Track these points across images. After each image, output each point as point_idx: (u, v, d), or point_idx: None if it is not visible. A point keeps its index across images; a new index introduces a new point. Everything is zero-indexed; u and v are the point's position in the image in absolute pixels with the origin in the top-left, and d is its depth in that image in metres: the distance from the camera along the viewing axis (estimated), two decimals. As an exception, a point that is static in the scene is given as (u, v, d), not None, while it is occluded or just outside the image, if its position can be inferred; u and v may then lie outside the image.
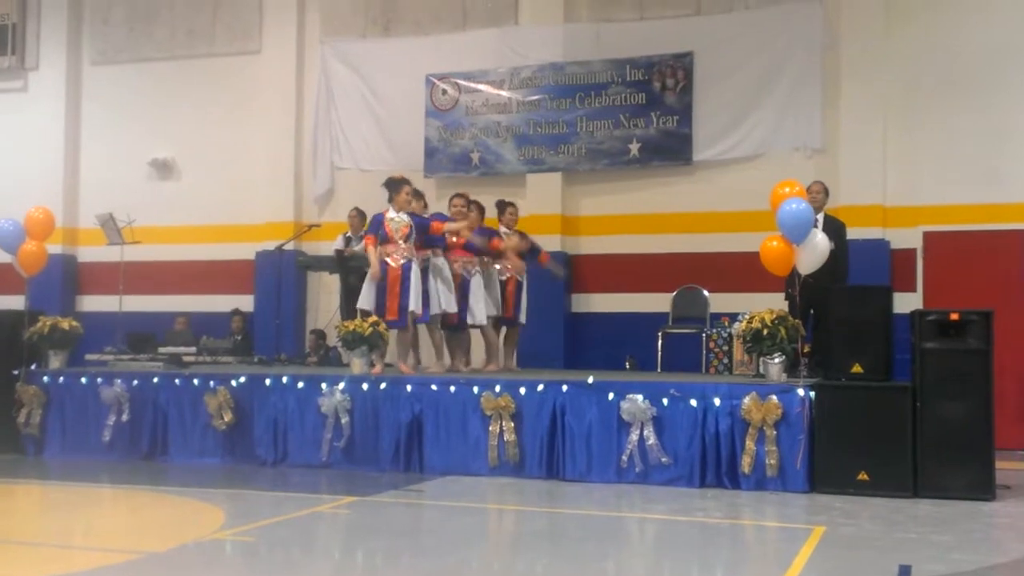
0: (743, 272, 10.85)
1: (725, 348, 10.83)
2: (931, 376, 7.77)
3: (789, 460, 7.94)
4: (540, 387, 8.67)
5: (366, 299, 9.49)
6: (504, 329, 10.61)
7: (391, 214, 9.51)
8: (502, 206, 10.64)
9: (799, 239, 8.19)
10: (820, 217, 9.20)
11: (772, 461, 7.93)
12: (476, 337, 10.58)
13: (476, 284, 10.03)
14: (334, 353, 11.59)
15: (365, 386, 9.10)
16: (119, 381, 9.80)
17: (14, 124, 14.49)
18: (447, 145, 12.86)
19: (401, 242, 9.40)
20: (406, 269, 9.36)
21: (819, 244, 8.33)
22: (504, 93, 12.67)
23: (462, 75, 12.83)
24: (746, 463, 8.01)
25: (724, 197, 11.65)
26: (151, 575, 5.53)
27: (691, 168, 11.92)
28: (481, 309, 10.00)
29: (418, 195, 10.24)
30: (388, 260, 9.35)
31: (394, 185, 9.60)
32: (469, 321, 10.04)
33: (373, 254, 9.36)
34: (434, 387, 8.96)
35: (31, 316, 10.36)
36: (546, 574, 5.69)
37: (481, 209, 10.51)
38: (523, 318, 10.59)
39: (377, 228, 9.46)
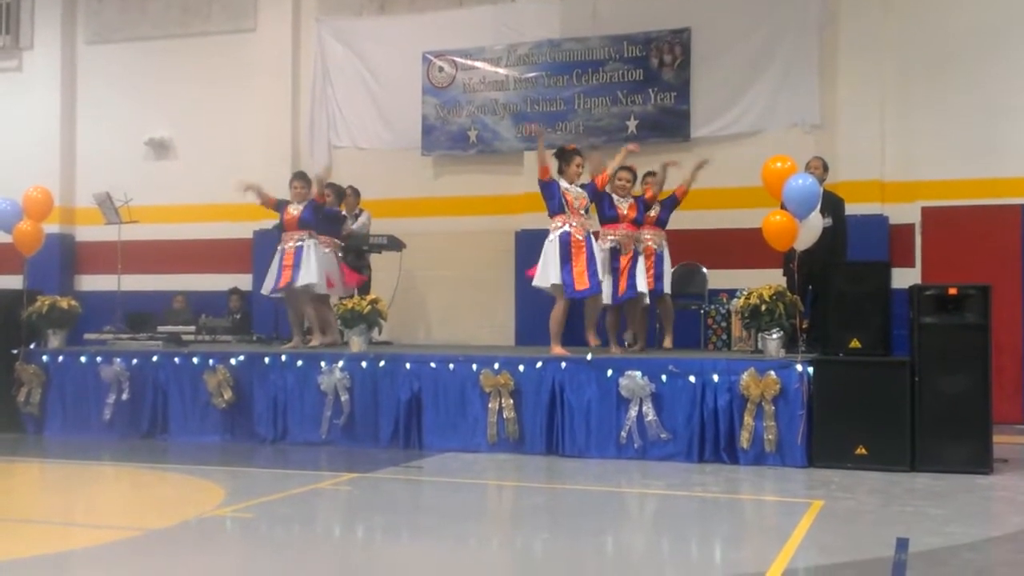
0: (742, 248, 10.85)
1: (724, 324, 10.83)
2: (929, 351, 7.78)
3: (787, 435, 7.96)
4: (539, 364, 8.69)
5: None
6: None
7: (565, 185, 8.99)
8: (567, 156, 9.17)
9: (805, 214, 8.19)
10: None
11: (770, 436, 7.95)
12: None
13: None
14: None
15: (364, 364, 9.11)
16: (119, 360, 9.81)
17: (9, 104, 14.47)
18: (444, 123, 12.82)
19: (582, 212, 8.96)
20: (589, 241, 8.87)
21: (814, 221, 8.36)
22: (501, 70, 12.62)
23: (459, 52, 12.78)
24: (744, 438, 8.03)
25: (722, 173, 11.56)
26: (152, 552, 5.55)
27: (689, 145, 11.88)
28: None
29: (304, 180, 10.33)
30: (570, 229, 8.82)
31: (565, 156, 9.11)
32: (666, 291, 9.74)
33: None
34: (433, 364, 8.98)
35: (30, 296, 10.37)
36: (545, 549, 5.71)
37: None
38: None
39: (553, 197, 8.93)
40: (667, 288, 9.99)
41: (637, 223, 9.48)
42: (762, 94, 11.65)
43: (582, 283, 8.73)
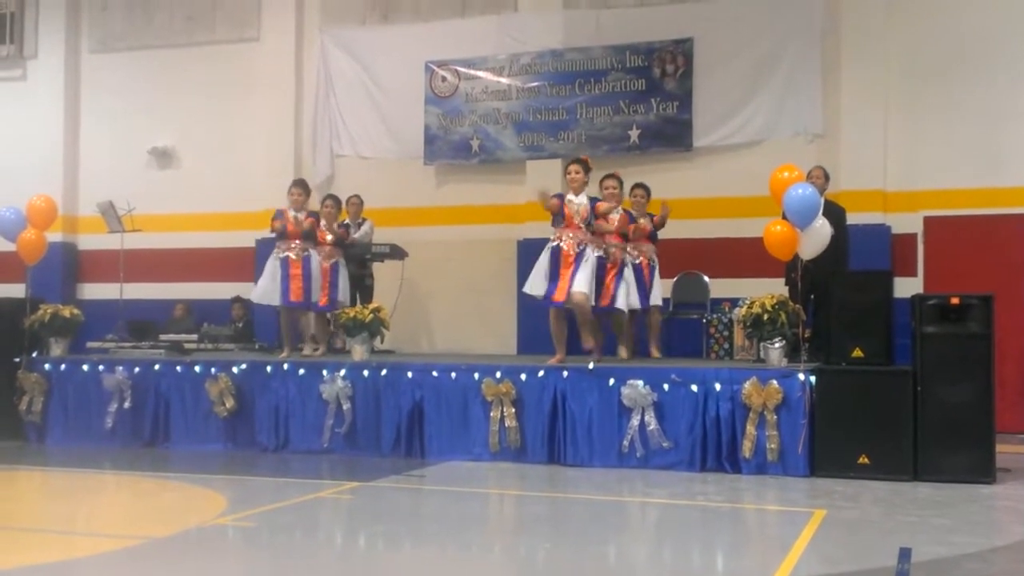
0: (744, 257, 10.84)
1: (726, 333, 10.83)
2: (932, 360, 7.78)
3: (790, 444, 7.96)
4: (541, 373, 8.69)
5: None
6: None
7: (569, 197, 9.03)
8: (567, 167, 9.47)
9: (805, 224, 8.18)
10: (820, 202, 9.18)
11: (773, 445, 7.95)
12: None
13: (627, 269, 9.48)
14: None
15: (366, 372, 9.12)
16: (121, 368, 9.82)
17: (13, 113, 14.45)
18: (447, 132, 12.83)
19: (581, 224, 8.94)
20: (582, 255, 8.85)
21: (821, 230, 8.33)
22: (504, 80, 12.63)
23: (461, 62, 12.79)
24: (747, 447, 8.02)
25: (725, 183, 11.62)
26: (153, 560, 5.55)
27: (691, 154, 11.89)
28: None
29: (336, 201, 10.66)
30: (563, 245, 8.89)
31: (567, 168, 9.24)
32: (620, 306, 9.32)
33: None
34: (435, 373, 8.98)
35: (32, 304, 10.38)
36: (548, 558, 5.70)
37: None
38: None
39: (559, 213, 9.02)
40: (656, 301, 9.97)
41: (624, 235, 9.49)
42: (764, 104, 11.64)
43: (561, 294, 8.82)
